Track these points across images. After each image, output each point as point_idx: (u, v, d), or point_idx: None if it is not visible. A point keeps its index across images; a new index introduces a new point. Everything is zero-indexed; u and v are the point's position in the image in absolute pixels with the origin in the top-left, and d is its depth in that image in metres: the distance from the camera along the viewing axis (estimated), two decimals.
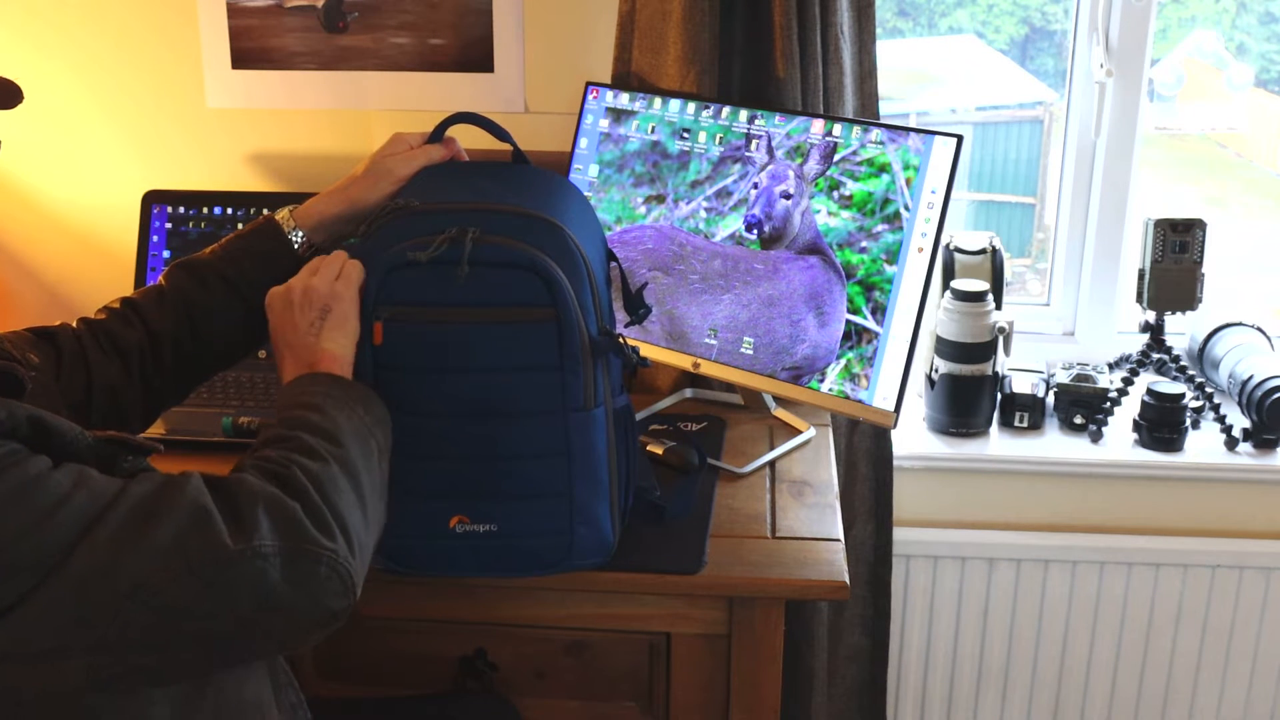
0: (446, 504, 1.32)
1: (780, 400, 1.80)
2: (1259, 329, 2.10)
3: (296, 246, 1.39)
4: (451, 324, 1.26)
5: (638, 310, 1.45)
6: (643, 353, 1.74)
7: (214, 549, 0.97)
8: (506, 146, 1.45)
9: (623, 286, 1.45)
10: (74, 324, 1.35)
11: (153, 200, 1.97)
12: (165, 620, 0.96)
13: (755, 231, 1.66)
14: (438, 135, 1.45)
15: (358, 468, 1.11)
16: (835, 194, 1.61)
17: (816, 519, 1.53)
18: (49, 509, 0.93)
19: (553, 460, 1.31)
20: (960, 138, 1.53)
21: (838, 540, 1.48)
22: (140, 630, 0.95)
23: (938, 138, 1.55)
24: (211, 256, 1.39)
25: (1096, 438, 2.03)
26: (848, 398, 1.60)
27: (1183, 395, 1.99)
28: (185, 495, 0.98)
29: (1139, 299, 2.08)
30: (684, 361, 1.72)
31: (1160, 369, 2.13)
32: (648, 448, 1.65)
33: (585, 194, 1.75)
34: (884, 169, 1.58)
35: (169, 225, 1.96)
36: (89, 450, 1.01)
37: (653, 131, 1.75)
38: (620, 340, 1.31)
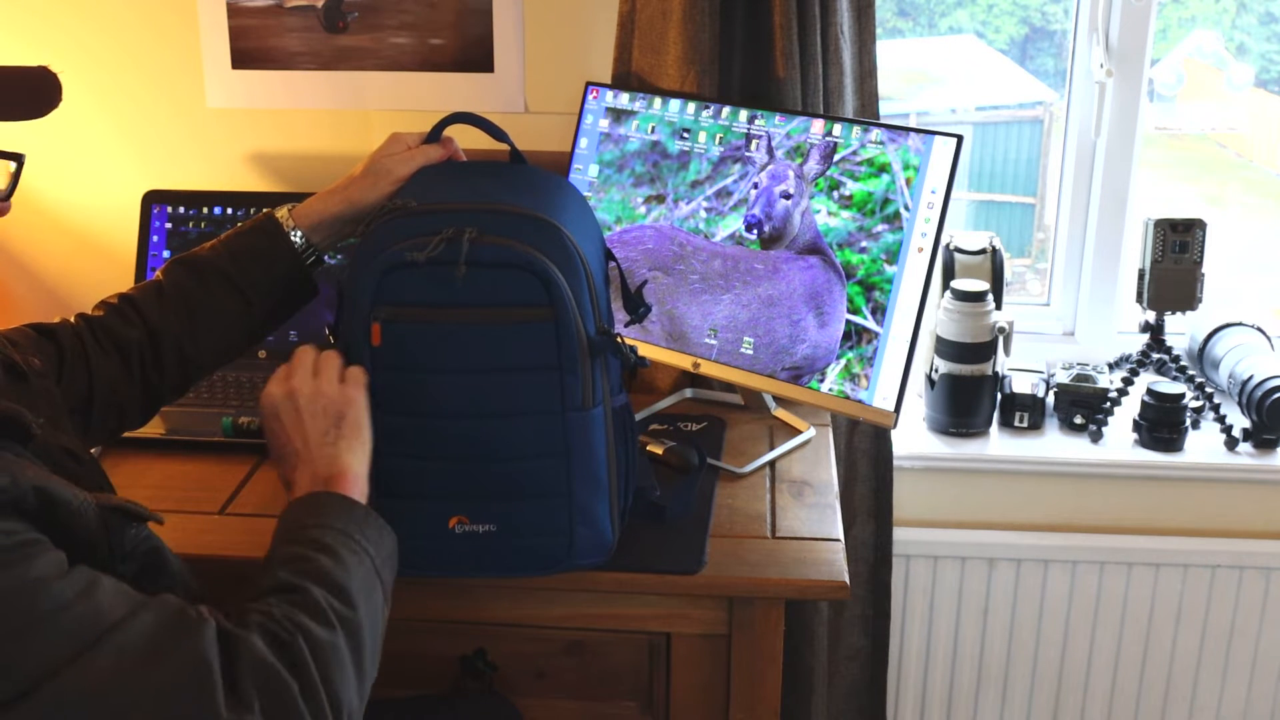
0: (445, 504, 1.32)
1: (780, 400, 1.80)
2: (1259, 329, 2.10)
3: (296, 246, 1.39)
4: (449, 324, 1.26)
5: (637, 309, 1.45)
6: (642, 353, 1.74)
7: (205, 714, 0.91)
8: (505, 146, 1.45)
9: (622, 286, 1.45)
10: (72, 320, 1.35)
11: (153, 200, 1.97)
12: None
13: (755, 231, 1.66)
14: (436, 135, 1.45)
15: (363, 635, 1.06)
16: (835, 194, 1.61)
17: (816, 519, 1.53)
18: (49, 615, 0.88)
19: (552, 460, 1.31)
20: (960, 138, 1.53)
21: (838, 540, 1.48)
22: None
23: (938, 138, 1.55)
24: (211, 254, 1.39)
25: (1096, 438, 2.03)
26: (848, 398, 1.60)
27: (1183, 395, 1.99)
28: (194, 645, 0.93)
29: (1139, 299, 2.08)
30: (684, 361, 1.72)
31: (1160, 369, 2.13)
32: (648, 448, 1.65)
33: (585, 194, 1.75)
34: (884, 169, 1.58)
35: (169, 225, 1.96)
36: (95, 519, 0.97)
37: (653, 131, 1.75)
38: (618, 340, 1.31)
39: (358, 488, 1.18)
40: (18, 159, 1.10)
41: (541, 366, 1.28)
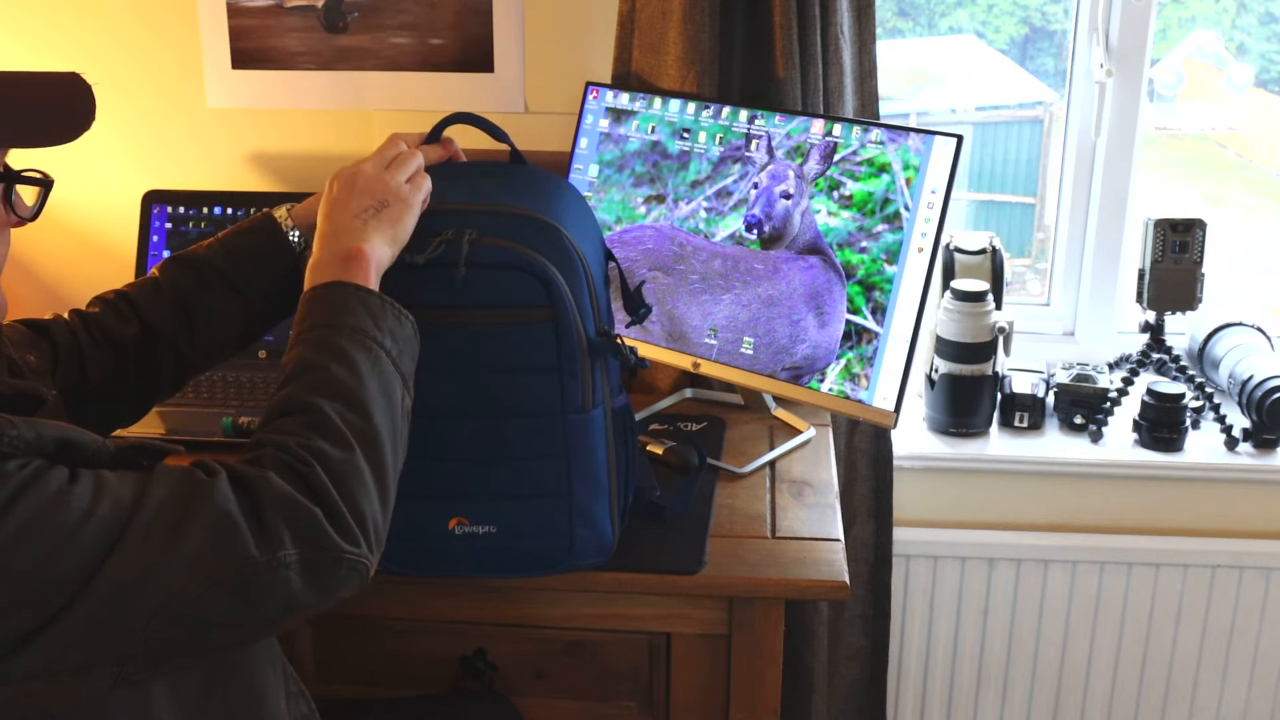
0: (445, 506, 1.32)
1: (780, 400, 1.80)
2: (1259, 329, 2.10)
3: (294, 245, 1.39)
4: (448, 325, 1.26)
5: (637, 309, 1.45)
6: (642, 353, 1.74)
7: (240, 561, 0.96)
8: (505, 147, 1.44)
9: (622, 286, 1.45)
10: (66, 316, 1.34)
11: (153, 200, 1.97)
12: (194, 629, 0.97)
13: (755, 231, 1.66)
14: (435, 136, 1.45)
15: (381, 443, 1.08)
16: (835, 194, 1.61)
17: (816, 519, 1.53)
18: (74, 527, 0.92)
19: (551, 461, 1.31)
20: (960, 138, 1.53)
21: (838, 540, 1.48)
22: (169, 639, 0.96)
23: (938, 138, 1.55)
24: (208, 253, 1.38)
25: (1096, 438, 2.03)
26: (848, 398, 1.60)
27: (1183, 395, 1.99)
28: (211, 503, 0.96)
29: (1139, 299, 2.08)
30: (684, 361, 1.72)
31: (1160, 369, 2.13)
32: (648, 448, 1.65)
33: (585, 194, 1.75)
34: (884, 169, 1.58)
35: (169, 225, 1.97)
36: (112, 460, 1.00)
37: (653, 131, 1.75)
38: (618, 341, 1.31)
39: (374, 270, 1.17)
40: (46, 183, 1.10)
41: (541, 368, 1.28)
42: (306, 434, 1.04)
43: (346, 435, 1.05)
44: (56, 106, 1.10)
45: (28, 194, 1.11)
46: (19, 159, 1.11)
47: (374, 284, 1.17)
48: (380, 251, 1.19)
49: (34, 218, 1.12)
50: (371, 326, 1.12)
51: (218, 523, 0.96)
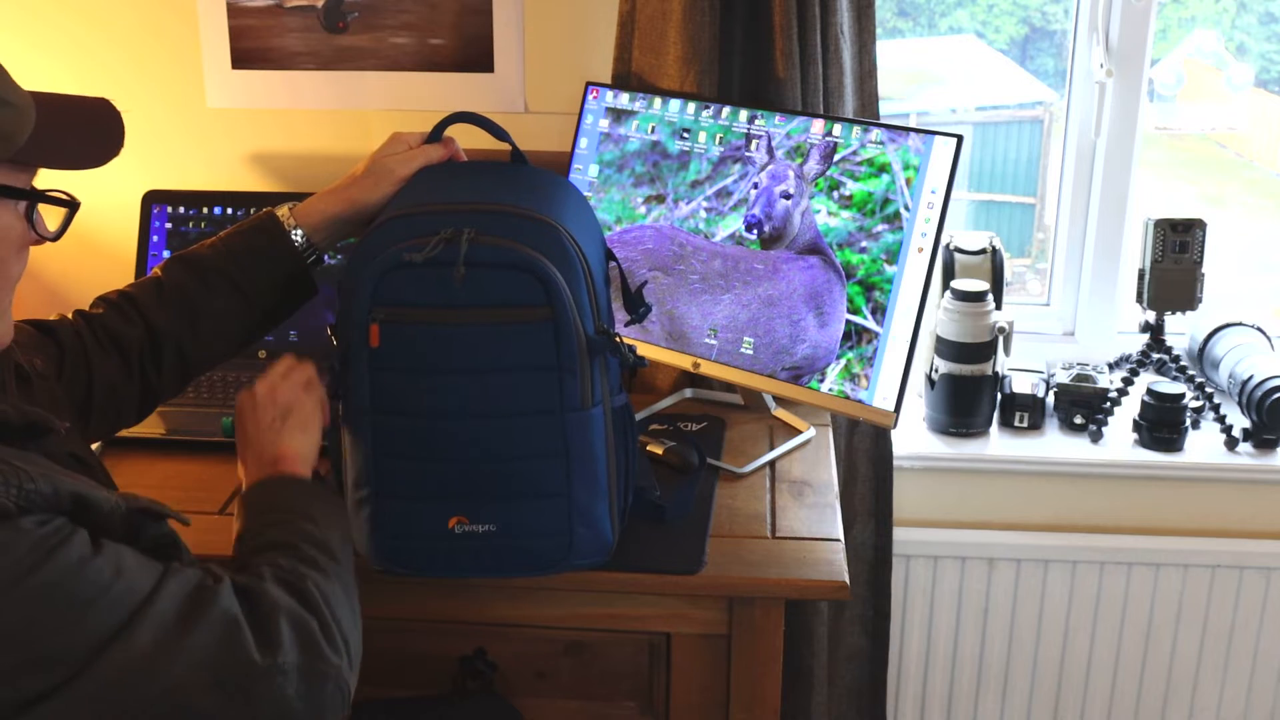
0: (445, 505, 1.32)
1: (780, 400, 1.80)
2: (1259, 329, 2.10)
3: (297, 245, 1.39)
4: (448, 325, 1.26)
5: (637, 309, 1.45)
6: (642, 353, 1.74)
7: (243, 664, 0.99)
8: (506, 146, 1.44)
9: (622, 286, 1.45)
10: (70, 317, 1.35)
11: (153, 200, 1.97)
12: None
13: (755, 231, 1.66)
14: (436, 135, 1.45)
15: (350, 583, 1.14)
16: (835, 194, 1.61)
17: (816, 519, 1.53)
18: (89, 601, 0.93)
19: (551, 460, 1.30)
20: (960, 138, 1.53)
21: (838, 540, 1.48)
22: None
23: (938, 138, 1.55)
24: (211, 252, 1.38)
25: (1096, 438, 2.03)
26: (848, 398, 1.60)
27: (1183, 395, 1.99)
28: (218, 604, 1.00)
29: (1139, 299, 2.08)
30: (684, 361, 1.72)
31: (1160, 369, 2.13)
32: (648, 448, 1.65)
33: (585, 194, 1.75)
34: (884, 169, 1.58)
35: (169, 225, 1.97)
36: (122, 522, 1.02)
37: (653, 131, 1.75)
38: (617, 340, 1.31)
39: (300, 465, 1.24)
40: (72, 205, 1.11)
41: (540, 367, 1.27)
42: (291, 559, 1.10)
43: (326, 566, 1.11)
44: (88, 130, 1.12)
45: (51, 214, 1.11)
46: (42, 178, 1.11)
47: (305, 474, 1.24)
48: (304, 449, 1.25)
49: (56, 238, 1.13)
50: (322, 504, 1.20)
51: (224, 624, 0.99)
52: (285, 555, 1.10)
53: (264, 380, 1.30)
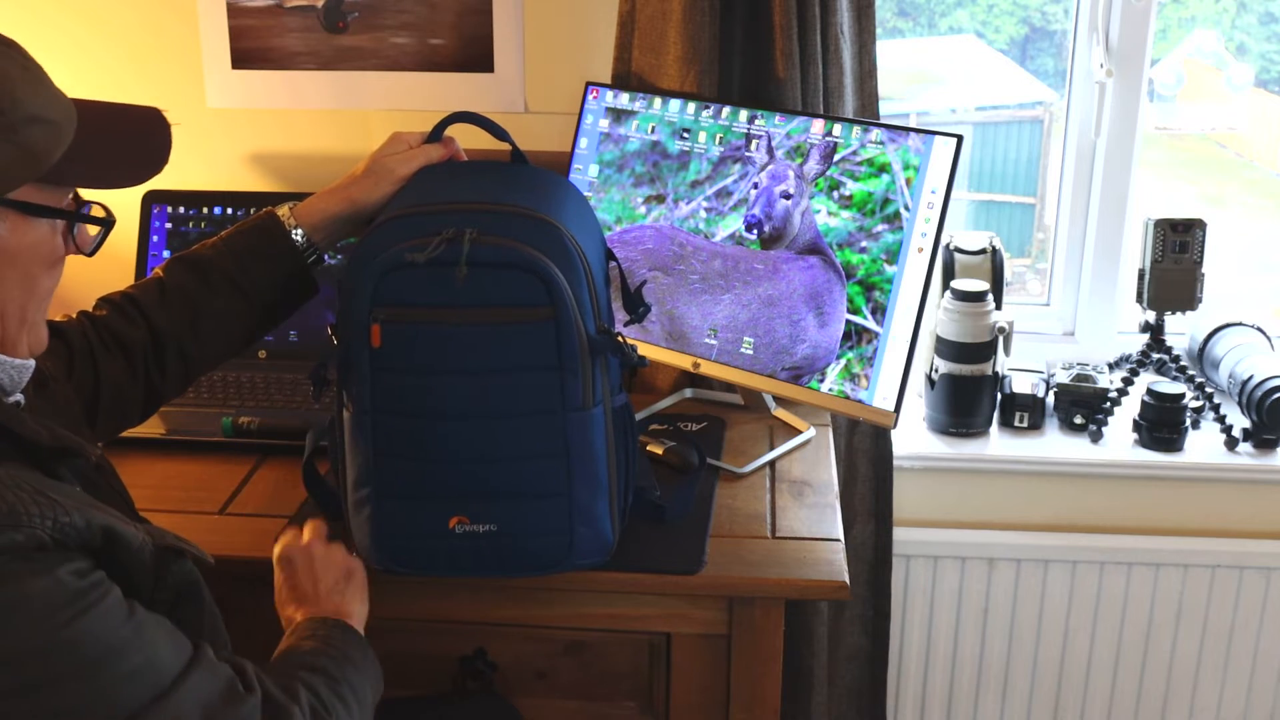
0: (446, 504, 1.32)
1: (780, 400, 1.80)
2: (1259, 329, 2.10)
3: (297, 244, 1.39)
4: (449, 325, 1.26)
5: (637, 309, 1.45)
6: (642, 353, 1.74)
7: None
8: (506, 146, 1.44)
9: (622, 286, 1.45)
10: (74, 317, 1.35)
11: (153, 200, 1.97)
12: None
13: (755, 231, 1.66)
14: (437, 135, 1.45)
15: None
16: (835, 194, 1.61)
17: (816, 519, 1.53)
18: (114, 674, 0.93)
19: (552, 460, 1.30)
20: (960, 138, 1.53)
21: (838, 540, 1.48)
22: None
23: (938, 138, 1.55)
24: (213, 253, 1.38)
25: (1096, 438, 2.03)
26: (848, 398, 1.60)
27: (1183, 395, 1.99)
28: (240, 714, 1.00)
29: (1139, 299, 2.08)
30: (684, 361, 1.72)
31: (1160, 369, 2.13)
32: (648, 448, 1.65)
33: (585, 194, 1.75)
34: (884, 169, 1.58)
35: (169, 225, 1.97)
36: (151, 558, 1.02)
37: (653, 131, 1.75)
38: (619, 339, 1.31)
39: (359, 627, 1.27)
40: (109, 223, 1.10)
41: (541, 366, 1.27)
42: (329, 692, 1.12)
43: (352, 709, 1.15)
44: (129, 145, 1.11)
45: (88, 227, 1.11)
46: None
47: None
48: (361, 615, 1.29)
49: (92, 254, 1.12)
50: (367, 663, 1.23)
51: None
52: (326, 686, 1.12)
53: (314, 541, 1.32)
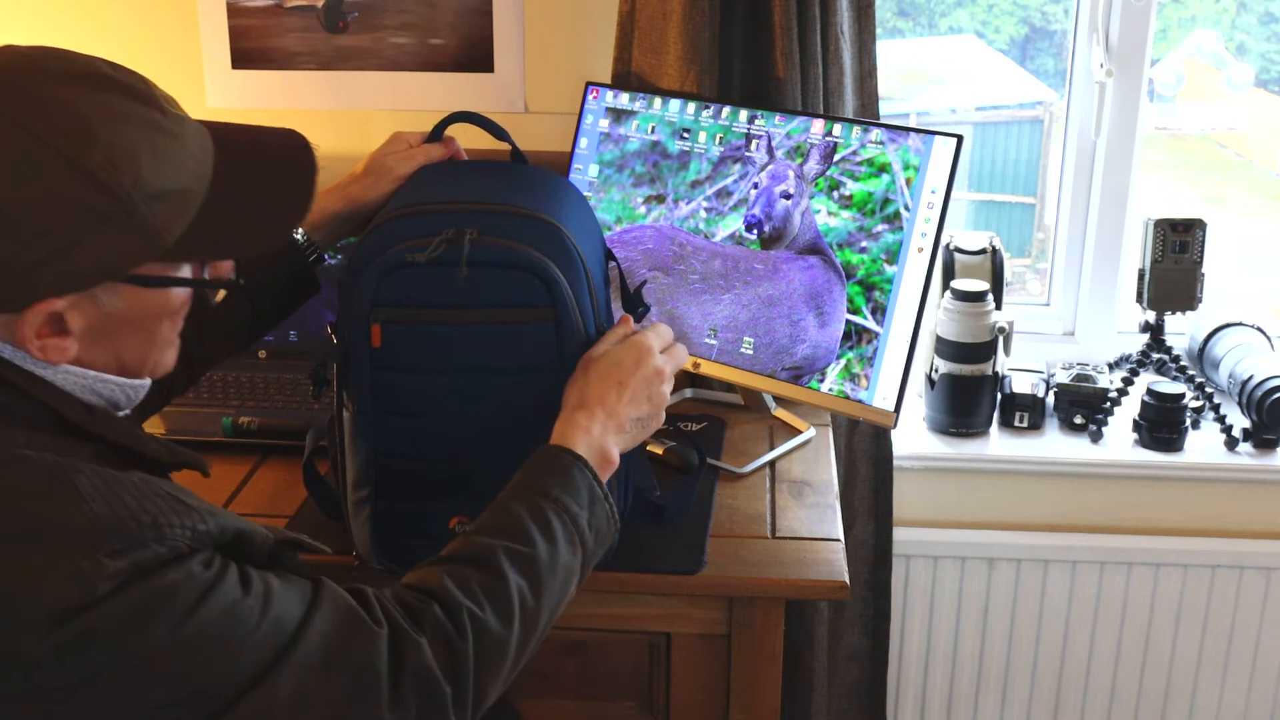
0: (445, 505, 1.32)
1: (780, 400, 1.80)
2: (1259, 329, 2.10)
3: (298, 243, 1.39)
4: (450, 325, 1.26)
5: (636, 309, 1.45)
6: None
7: (369, 716, 0.99)
8: (506, 146, 1.44)
9: (621, 286, 1.45)
10: None
11: None
12: None
13: (755, 231, 1.66)
14: (437, 134, 1.45)
15: (539, 626, 1.10)
16: (835, 194, 1.61)
17: (816, 519, 1.53)
18: (240, 641, 0.93)
19: None
20: (960, 138, 1.53)
21: (838, 540, 1.48)
22: None
23: (938, 138, 1.55)
24: None
25: (1096, 438, 2.03)
26: (848, 398, 1.60)
27: (1183, 395, 1.99)
28: (368, 656, 0.99)
29: (1139, 299, 2.08)
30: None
31: (1160, 369, 2.13)
32: (648, 448, 1.65)
33: (585, 194, 1.75)
34: (884, 169, 1.58)
35: None
36: (269, 553, 1.03)
37: (653, 131, 1.75)
38: None
39: (607, 470, 1.20)
40: (233, 286, 1.09)
41: (542, 367, 1.27)
42: (481, 599, 1.06)
43: (514, 614, 1.07)
44: (265, 195, 1.07)
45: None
46: None
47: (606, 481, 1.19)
48: (617, 461, 1.22)
49: (216, 303, 1.12)
50: (587, 527, 1.15)
51: (364, 675, 0.98)
52: (481, 588, 1.06)
53: (669, 366, 1.27)
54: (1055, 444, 2.04)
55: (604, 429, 1.20)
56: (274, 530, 1.04)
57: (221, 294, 1.11)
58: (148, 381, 1.09)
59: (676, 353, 1.30)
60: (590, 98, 1.81)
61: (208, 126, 1.05)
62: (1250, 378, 1.98)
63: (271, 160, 1.08)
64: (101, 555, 0.88)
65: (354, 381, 1.29)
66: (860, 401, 1.59)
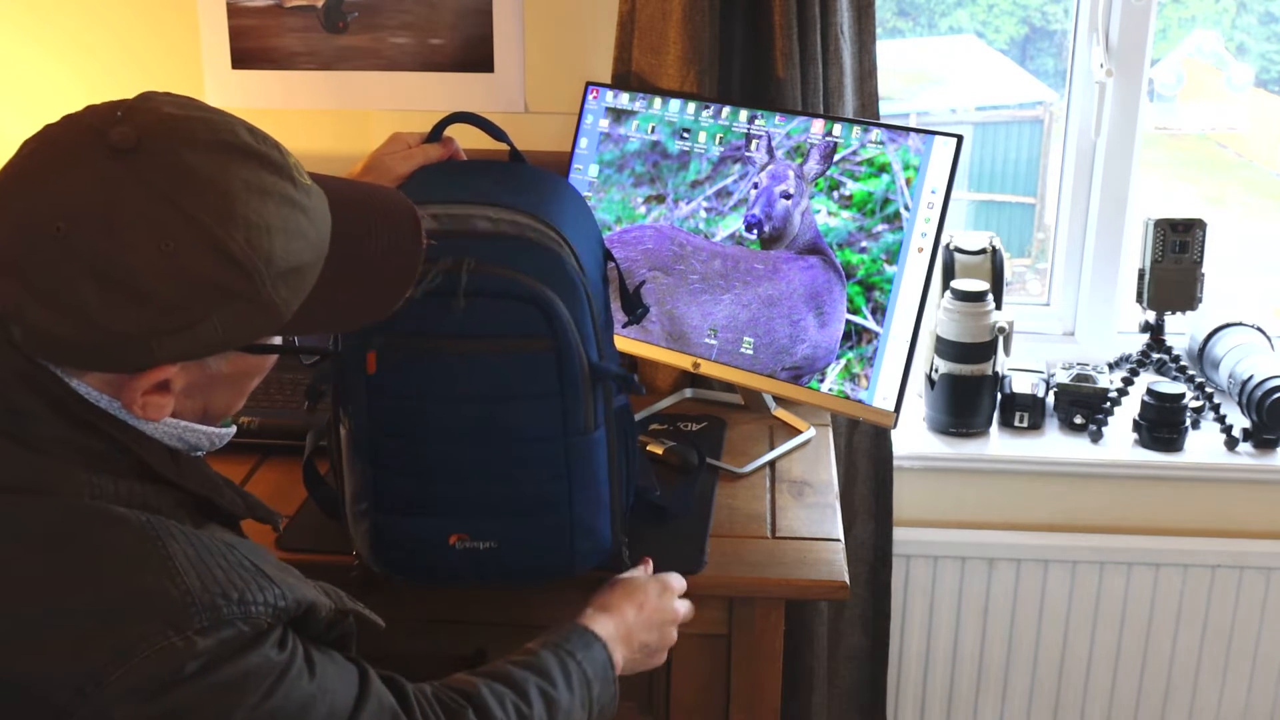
0: (445, 522, 1.30)
1: (780, 400, 1.80)
2: (1259, 329, 2.10)
3: None
4: (446, 353, 1.24)
5: (635, 310, 1.44)
6: (642, 353, 1.74)
7: None
8: (505, 146, 1.44)
9: (620, 286, 1.45)
10: None
11: None
12: None
13: (755, 231, 1.66)
14: (436, 135, 1.45)
15: None
16: (835, 194, 1.61)
17: (816, 519, 1.53)
18: None
19: (553, 483, 1.28)
20: (960, 138, 1.53)
21: (838, 540, 1.48)
22: None
23: (938, 138, 1.55)
24: None
25: (1096, 438, 2.03)
26: (848, 398, 1.60)
27: (1183, 395, 1.99)
28: None
29: (1139, 299, 2.08)
30: (684, 361, 1.72)
31: (1160, 369, 2.13)
32: (648, 448, 1.65)
33: (585, 194, 1.75)
34: (884, 169, 1.58)
35: None
36: (328, 623, 1.03)
37: (653, 131, 1.75)
38: (627, 376, 1.30)
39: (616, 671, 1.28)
40: (328, 355, 1.15)
41: (542, 394, 1.26)
42: (512, 717, 1.13)
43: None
44: (376, 265, 1.07)
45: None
46: None
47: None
48: (624, 672, 1.29)
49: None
50: (596, 698, 1.22)
51: None
52: (515, 699, 1.13)
53: (683, 612, 1.35)
54: (1055, 444, 2.04)
55: (617, 637, 1.28)
56: (334, 597, 1.05)
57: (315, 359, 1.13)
58: (233, 429, 1.10)
59: (686, 605, 1.36)
60: (590, 98, 1.81)
61: (321, 184, 1.04)
62: (1250, 378, 1.98)
63: (379, 227, 1.07)
64: (192, 633, 0.89)
65: (350, 404, 1.27)
66: (860, 401, 1.59)
